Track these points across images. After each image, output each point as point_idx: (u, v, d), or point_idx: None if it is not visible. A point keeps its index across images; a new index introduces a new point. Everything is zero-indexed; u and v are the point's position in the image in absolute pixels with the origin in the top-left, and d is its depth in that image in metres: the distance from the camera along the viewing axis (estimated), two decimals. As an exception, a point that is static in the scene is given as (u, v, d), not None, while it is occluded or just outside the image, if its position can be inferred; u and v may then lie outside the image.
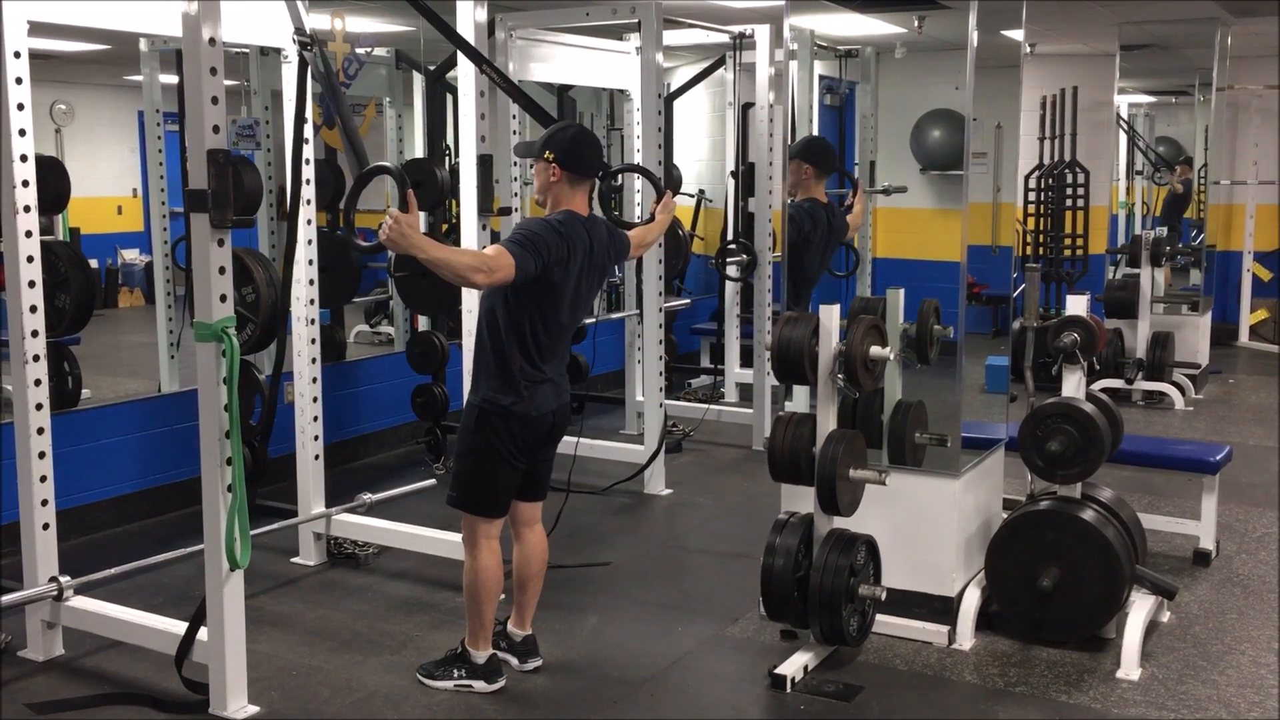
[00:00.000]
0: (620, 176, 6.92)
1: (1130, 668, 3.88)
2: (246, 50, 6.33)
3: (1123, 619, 4.01)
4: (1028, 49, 6.08)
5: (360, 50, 4.64)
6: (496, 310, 3.59)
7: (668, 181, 7.29)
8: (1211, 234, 9.65)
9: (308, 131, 4.66)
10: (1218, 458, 4.94)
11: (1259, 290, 10.52)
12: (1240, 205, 10.56)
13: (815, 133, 6.84)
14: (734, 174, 7.79)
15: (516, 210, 6.42)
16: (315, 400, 4.81)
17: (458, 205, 4.44)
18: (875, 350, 3.81)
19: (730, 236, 7.88)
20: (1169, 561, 4.96)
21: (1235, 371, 9.40)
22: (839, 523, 3.91)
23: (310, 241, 4.70)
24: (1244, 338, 10.46)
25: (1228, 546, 5.16)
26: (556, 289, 3.58)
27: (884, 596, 3.91)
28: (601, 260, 3.74)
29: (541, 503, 3.88)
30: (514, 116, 6.34)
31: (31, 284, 3.81)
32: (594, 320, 7.14)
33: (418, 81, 7.26)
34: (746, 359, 7.94)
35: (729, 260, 7.65)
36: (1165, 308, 8.69)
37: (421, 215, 7.03)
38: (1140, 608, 4.04)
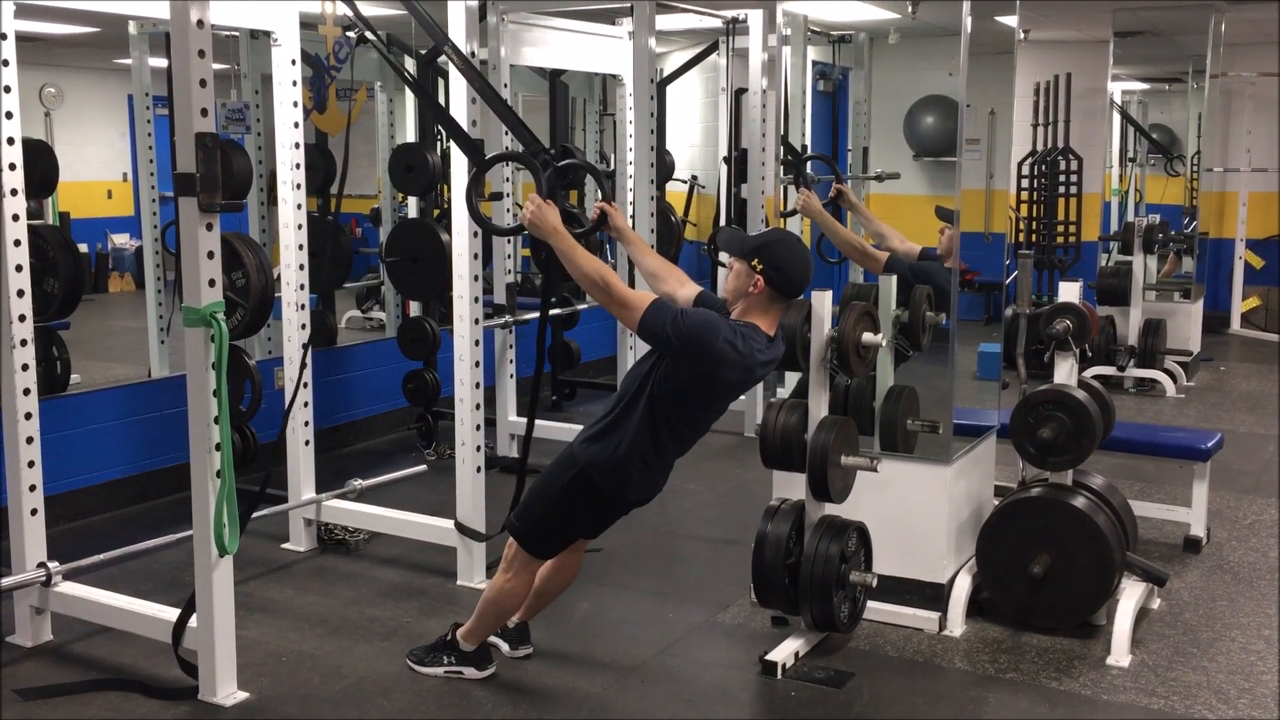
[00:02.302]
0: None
1: (1120, 654, 3.89)
2: (236, 34, 6.29)
3: (1113, 606, 4.01)
4: (1021, 35, 6.07)
5: (351, 34, 4.61)
6: (646, 389, 3.39)
7: (660, 168, 7.26)
8: (1204, 221, 9.65)
9: (298, 116, 4.65)
10: (1209, 445, 4.95)
11: (1251, 278, 10.53)
12: (1233, 193, 10.56)
13: (808, 118, 6.82)
14: (727, 160, 7.77)
15: (508, 195, 6.40)
16: (305, 385, 4.79)
17: (449, 190, 4.42)
18: (867, 337, 3.80)
19: (723, 223, 7.86)
20: (1160, 548, 4.96)
21: (1227, 359, 9.42)
22: (830, 509, 3.90)
23: (300, 226, 4.68)
24: (1236, 325, 10.48)
25: (1218, 533, 5.17)
26: (706, 391, 3.40)
27: (875, 583, 3.92)
28: (762, 375, 3.56)
29: (593, 539, 3.78)
30: (506, 100, 6.31)
31: (19, 268, 3.78)
32: (585, 306, 7.13)
33: (409, 65, 7.22)
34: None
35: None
36: (1157, 295, 8.70)
37: (413, 201, 7.02)
38: (1131, 594, 4.04)
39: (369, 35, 4.07)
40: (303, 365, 4.32)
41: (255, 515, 4.66)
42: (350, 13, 4.10)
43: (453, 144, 4.38)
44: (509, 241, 6.44)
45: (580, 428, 3.65)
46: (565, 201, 3.64)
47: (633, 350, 6.56)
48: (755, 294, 3.42)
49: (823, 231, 5.13)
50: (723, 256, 3.51)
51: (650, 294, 3.38)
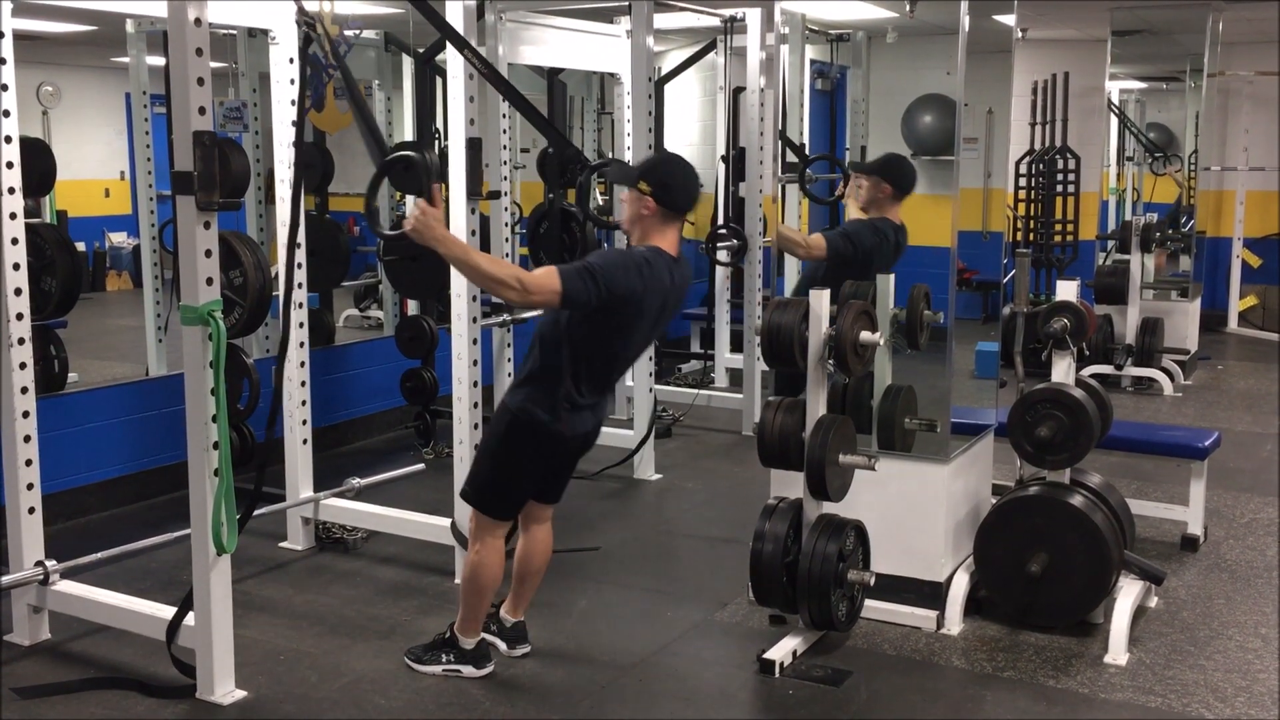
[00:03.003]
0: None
1: (1118, 653, 3.89)
2: (234, 32, 6.29)
3: (1110, 604, 4.02)
4: (1019, 34, 6.07)
5: (349, 32, 4.60)
6: (557, 329, 3.46)
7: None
8: (1201, 220, 9.66)
9: (296, 114, 4.64)
10: (1206, 443, 4.95)
11: (1248, 276, 10.54)
12: (1230, 191, 10.56)
13: (806, 116, 6.82)
14: (725, 159, 7.77)
15: (506, 194, 6.39)
16: (304, 384, 4.80)
17: (447, 189, 4.42)
18: (865, 335, 3.80)
19: (721, 221, 7.85)
20: (1157, 547, 4.97)
21: (1224, 357, 9.42)
22: (828, 508, 3.90)
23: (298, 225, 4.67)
24: (1233, 324, 10.48)
25: (1216, 532, 5.18)
26: (623, 326, 3.46)
27: (873, 582, 3.92)
28: (677, 301, 3.63)
29: (555, 504, 3.84)
30: (502, 99, 6.30)
31: (16, 266, 3.78)
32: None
33: (407, 64, 7.22)
34: (736, 344, 7.93)
35: (719, 245, 7.64)
36: (1155, 294, 8.71)
37: (410, 199, 7.02)
38: (1128, 593, 4.05)
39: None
40: (279, 372, 4.14)
41: (253, 514, 4.67)
42: (349, 13, 4.09)
43: (450, 143, 4.38)
44: (507, 239, 6.44)
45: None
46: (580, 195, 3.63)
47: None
48: (649, 215, 3.50)
49: (776, 233, 5.17)
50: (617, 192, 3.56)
51: (549, 268, 3.34)
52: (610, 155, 8.11)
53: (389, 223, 6.80)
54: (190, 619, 3.56)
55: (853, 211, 5.23)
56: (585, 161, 3.68)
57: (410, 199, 3.26)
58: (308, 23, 3.81)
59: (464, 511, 4.44)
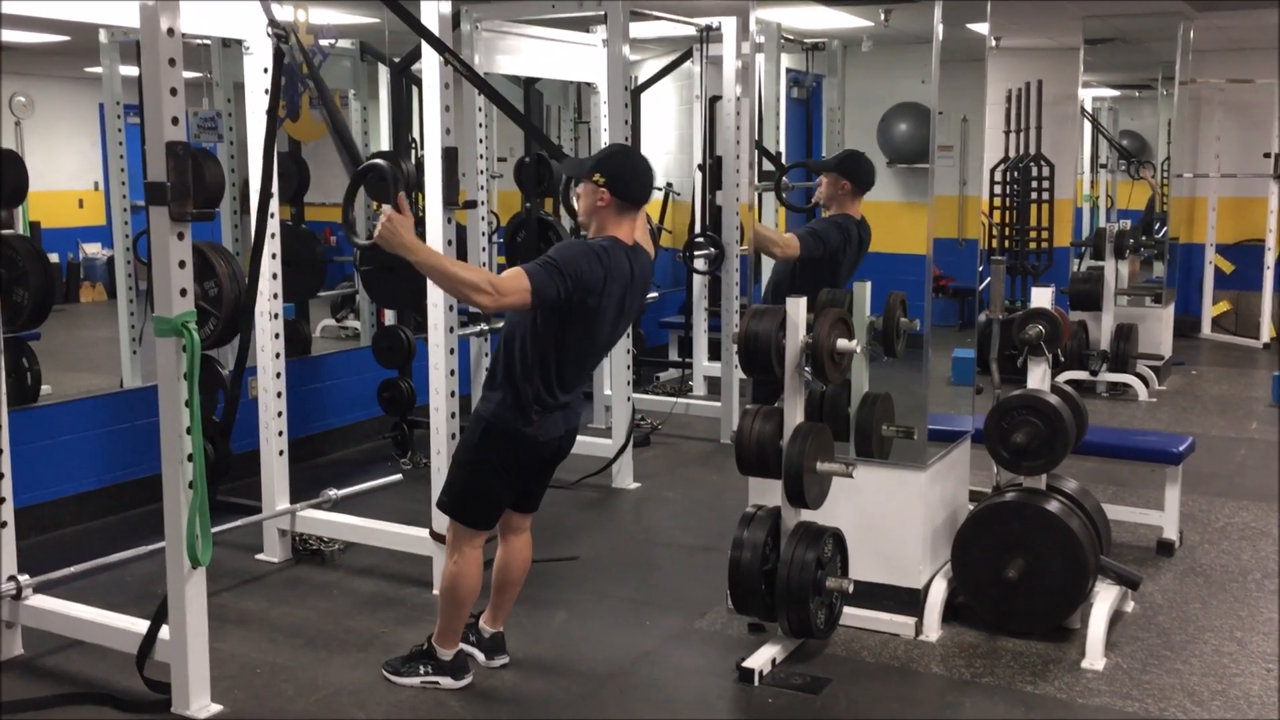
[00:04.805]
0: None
1: (1095, 658, 3.91)
2: (208, 42, 6.26)
3: (1087, 609, 4.03)
4: (993, 42, 6.10)
5: (324, 42, 4.59)
6: (524, 329, 3.44)
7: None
8: (1174, 227, 9.74)
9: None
10: (1181, 449, 4.98)
11: (1221, 282, 10.63)
12: (1202, 198, 10.65)
13: (782, 125, 6.85)
14: (701, 167, 7.79)
15: (482, 203, 6.39)
16: (280, 395, 4.77)
17: (423, 198, 4.41)
18: (842, 343, 3.81)
19: (698, 230, 7.87)
20: (1133, 552, 4.99)
21: (1198, 363, 9.49)
22: (806, 516, 3.91)
23: (273, 235, 4.65)
24: (1207, 329, 10.57)
25: (1191, 536, 5.21)
26: (589, 318, 3.44)
27: (851, 589, 3.92)
28: (641, 290, 3.62)
29: (533, 513, 3.83)
30: (479, 109, 6.31)
31: (-12, 278, 3.76)
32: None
33: (383, 74, 7.21)
34: (714, 352, 7.94)
35: (697, 253, 7.66)
36: (1129, 300, 8.77)
37: (386, 209, 6.99)
38: (1105, 598, 4.06)
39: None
40: (234, 382, 4.10)
41: (229, 526, 4.65)
42: (324, 22, 4.09)
43: (426, 152, 4.38)
44: (484, 249, 6.44)
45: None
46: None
47: (608, 357, 6.55)
48: (604, 206, 3.50)
49: (752, 231, 5.18)
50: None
51: (515, 269, 3.33)
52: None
53: (365, 232, 6.79)
54: (165, 633, 3.53)
55: None
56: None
57: (386, 208, 3.25)
58: (279, 34, 3.79)
59: (444, 519, 4.43)
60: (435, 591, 4.47)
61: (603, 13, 5.83)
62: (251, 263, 3.84)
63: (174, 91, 3.24)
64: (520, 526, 3.80)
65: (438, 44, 4.06)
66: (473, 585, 3.68)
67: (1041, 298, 4.34)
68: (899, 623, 4.14)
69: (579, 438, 3.79)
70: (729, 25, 6.91)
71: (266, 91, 4.59)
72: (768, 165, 6.37)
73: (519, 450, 3.54)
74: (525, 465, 3.60)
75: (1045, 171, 9.71)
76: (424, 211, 4.42)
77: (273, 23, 3.83)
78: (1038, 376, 4.26)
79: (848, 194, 4.78)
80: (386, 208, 3.25)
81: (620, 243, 3.50)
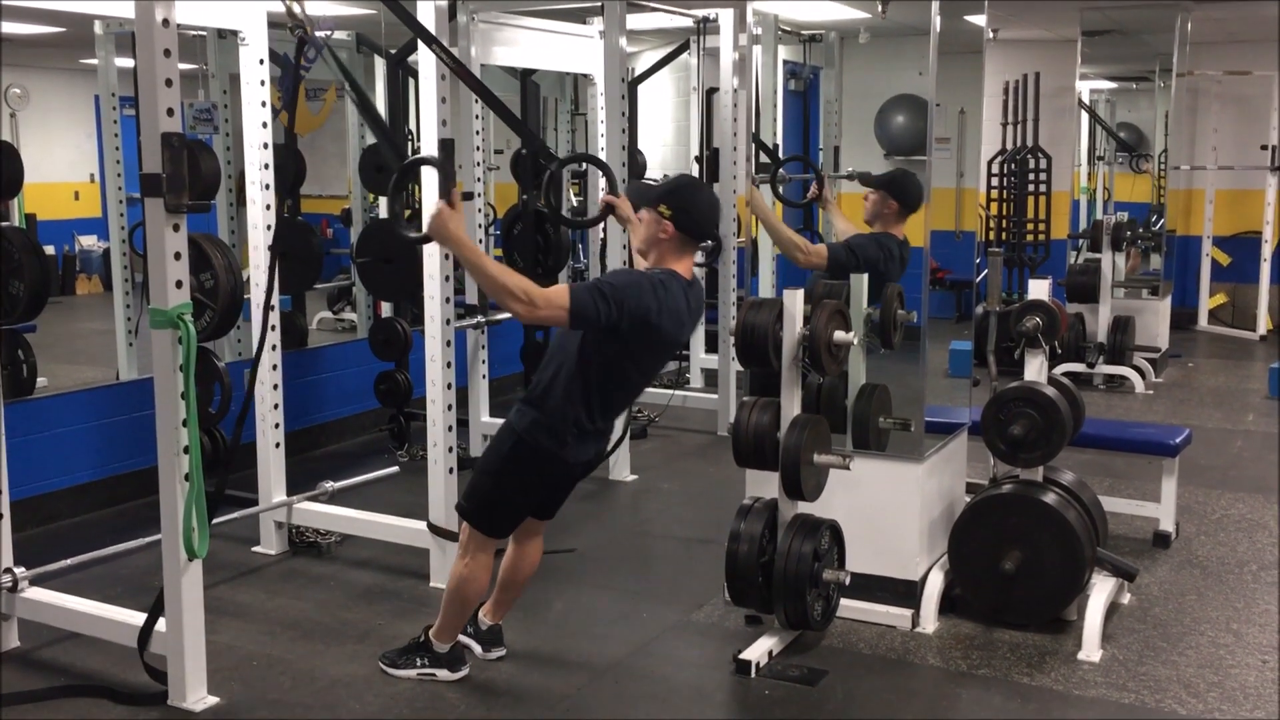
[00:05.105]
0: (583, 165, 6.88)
1: (1091, 649, 3.91)
2: (204, 33, 6.24)
3: (1084, 601, 4.04)
4: (990, 34, 6.11)
5: (321, 33, 4.58)
6: (573, 350, 3.40)
7: (632, 167, 7.26)
8: (1171, 219, 9.74)
9: (266, 116, 4.62)
10: (1177, 440, 4.99)
11: (1218, 274, 10.63)
12: (1200, 190, 10.65)
13: (779, 117, 6.83)
14: (698, 159, 7.77)
15: (479, 195, 6.38)
16: (276, 388, 4.76)
17: (420, 190, 4.40)
18: (839, 335, 3.81)
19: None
20: (1129, 544, 5.00)
21: (1195, 355, 9.50)
22: (803, 508, 3.91)
23: (269, 227, 4.64)
24: (1203, 321, 10.57)
25: (1187, 528, 5.22)
26: (641, 348, 3.41)
27: (848, 581, 3.92)
28: (692, 326, 3.59)
29: (549, 519, 3.81)
30: (475, 100, 6.29)
31: (-17, 270, 3.75)
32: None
33: (379, 66, 7.19)
34: (711, 344, 7.93)
35: (694, 246, 7.63)
36: (1126, 292, 8.77)
37: (383, 201, 6.98)
38: (1101, 590, 4.07)
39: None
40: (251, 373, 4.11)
41: (226, 519, 4.65)
42: (320, 14, 4.06)
43: (422, 144, 4.37)
44: (480, 241, 6.43)
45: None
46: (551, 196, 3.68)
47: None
48: (666, 239, 3.45)
49: (765, 226, 5.16)
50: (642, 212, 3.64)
51: (562, 285, 3.32)
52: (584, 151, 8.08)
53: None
54: (162, 625, 3.53)
55: (837, 220, 5.24)
56: (552, 156, 3.66)
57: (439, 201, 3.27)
58: (299, 26, 3.77)
59: (439, 512, 4.44)
60: (432, 584, 4.48)
61: (599, 4, 5.82)
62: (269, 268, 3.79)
63: (169, 83, 3.23)
64: (535, 530, 3.79)
65: (425, 35, 4.04)
66: (480, 589, 3.68)
67: (1038, 290, 4.33)
68: (896, 615, 4.14)
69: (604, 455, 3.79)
70: (726, 17, 6.90)
71: (263, 83, 4.60)
72: (764, 158, 6.36)
73: (547, 470, 3.52)
74: (550, 484, 3.60)
75: (1042, 164, 9.71)
76: (420, 204, 4.42)
77: (291, 15, 3.81)
78: (1035, 368, 4.26)
79: (894, 214, 4.66)
80: (439, 201, 3.27)
81: (678, 277, 3.44)
